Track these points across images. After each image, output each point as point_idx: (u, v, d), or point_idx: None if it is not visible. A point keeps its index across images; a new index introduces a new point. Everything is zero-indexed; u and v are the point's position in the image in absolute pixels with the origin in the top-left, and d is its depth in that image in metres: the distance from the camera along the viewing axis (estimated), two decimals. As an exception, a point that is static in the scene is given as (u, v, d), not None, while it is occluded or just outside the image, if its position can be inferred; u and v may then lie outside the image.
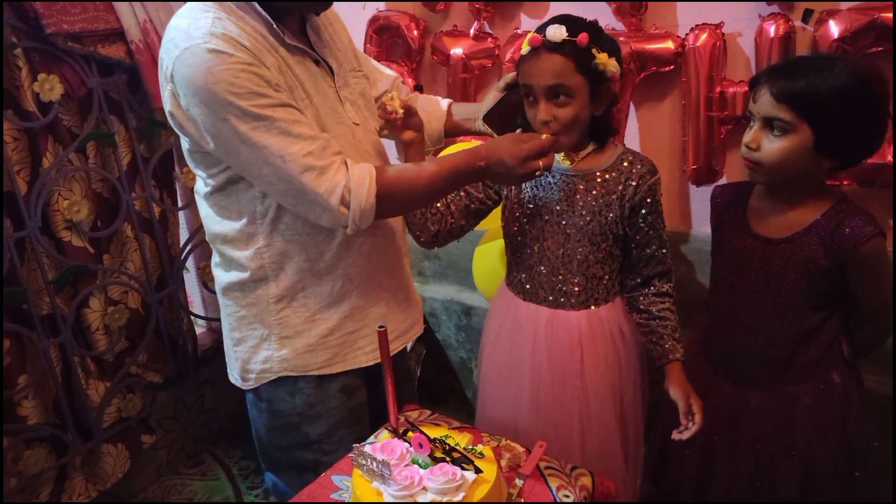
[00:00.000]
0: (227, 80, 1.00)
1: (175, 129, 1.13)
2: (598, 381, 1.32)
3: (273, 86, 1.05)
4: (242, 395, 1.37)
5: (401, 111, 1.18)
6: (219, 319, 2.25)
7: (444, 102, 1.44)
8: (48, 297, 1.73)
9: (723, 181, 1.61)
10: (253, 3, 1.08)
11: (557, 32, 1.15)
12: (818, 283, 1.21)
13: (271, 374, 1.26)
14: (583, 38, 1.15)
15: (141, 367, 2.00)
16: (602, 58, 1.17)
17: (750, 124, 1.20)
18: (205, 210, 1.24)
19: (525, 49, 1.19)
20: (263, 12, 1.09)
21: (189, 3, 1.10)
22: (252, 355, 1.26)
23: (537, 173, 1.16)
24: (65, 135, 1.73)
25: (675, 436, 1.23)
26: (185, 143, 1.16)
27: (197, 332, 2.21)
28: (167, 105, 1.09)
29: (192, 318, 2.16)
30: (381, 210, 1.13)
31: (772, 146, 1.16)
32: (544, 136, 1.18)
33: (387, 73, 1.44)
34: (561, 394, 1.33)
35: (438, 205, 1.34)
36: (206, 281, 2.18)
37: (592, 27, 1.19)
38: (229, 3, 1.07)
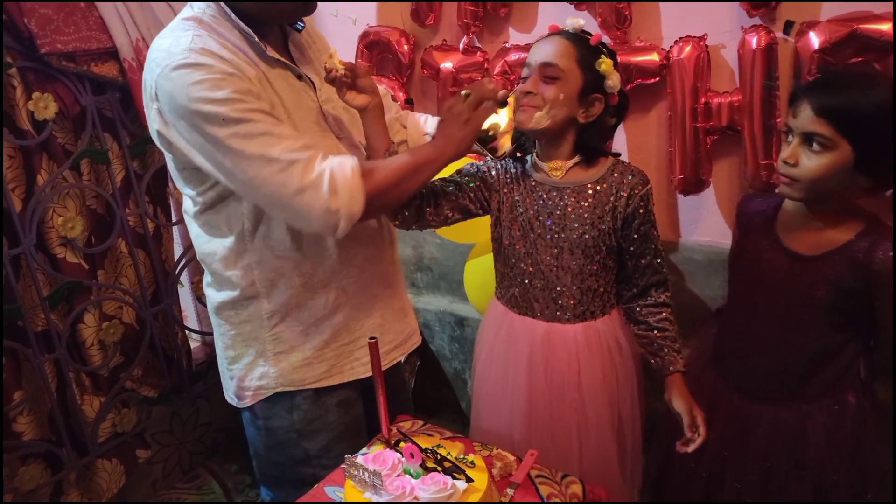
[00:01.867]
0: (207, 90, 1.01)
1: (162, 148, 1.13)
2: (596, 394, 1.32)
3: (254, 94, 1.06)
4: (237, 409, 1.38)
5: (341, 68, 1.15)
6: (213, 333, 2.27)
7: (434, 120, 1.44)
8: (43, 314, 1.74)
9: (750, 192, 1.55)
10: (233, 17, 1.10)
11: (575, 23, 1.21)
12: (844, 304, 1.20)
13: (268, 390, 1.25)
14: (597, 36, 1.21)
15: (136, 382, 2.00)
16: (607, 63, 1.21)
17: (788, 139, 1.18)
18: (194, 230, 1.24)
19: (542, 36, 1.24)
20: (244, 26, 1.10)
21: (170, 24, 1.12)
22: (247, 373, 1.26)
23: (463, 93, 1.15)
24: (59, 152, 1.74)
25: (681, 449, 1.22)
26: (172, 163, 1.16)
27: (191, 347, 2.22)
28: (154, 124, 1.09)
29: (187, 332, 2.17)
30: (369, 193, 1.09)
31: (810, 162, 1.13)
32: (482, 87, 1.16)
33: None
34: (558, 406, 1.32)
35: (430, 188, 1.30)
36: (199, 295, 2.20)
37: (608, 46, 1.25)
38: (209, 21, 1.09)
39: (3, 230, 1.63)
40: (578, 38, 1.22)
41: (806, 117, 1.13)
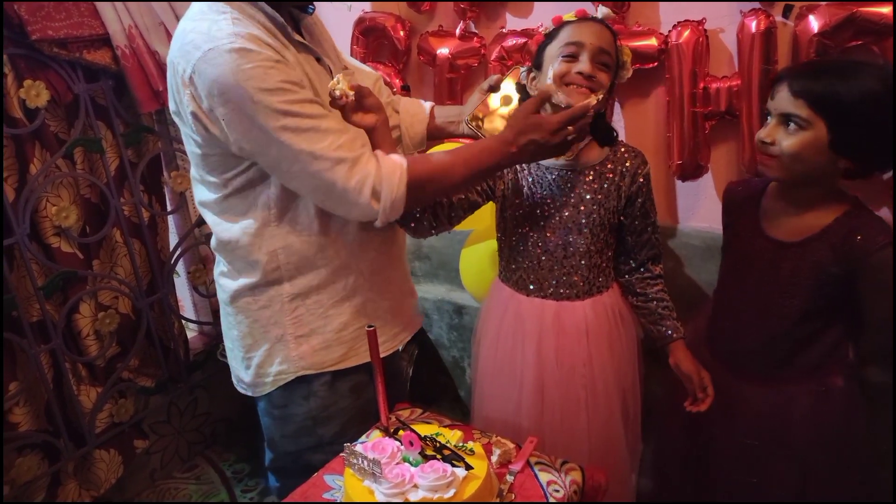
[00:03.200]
0: (258, 77, 1.00)
1: (194, 131, 1.10)
2: (605, 366, 1.36)
3: (298, 82, 1.06)
4: (236, 399, 1.37)
5: (350, 93, 1.14)
6: (210, 323, 2.27)
7: (427, 105, 1.44)
8: (38, 304, 1.73)
9: (736, 179, 1.57)
10: (260, 2, 1.08)
11: (608, 12, 1.24)
12: (826, 289, 1.21)
13: (288, 374, 1.26)
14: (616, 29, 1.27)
15: (132, 372, 2.00)
16: (627, 53, 1.28)
17: (767, 120, 1.21)
18: (212, 218, 1.22)
19: (570, 17, 1.25)
20: (270, 10, 1.09)
21: (197, 6, 1.09)
22: (267, 358, 1.26)
23: (570, 139, 1.16)
24: (52, 141, 1.73)
25: (692, 408, 1.28)
26: (197, 148, 1.14)
27: (188, 336, 2.21)
28: (188, 107, 1.07)
29: (184, 322, 2.16)
30: (411, 201, 1.12)
31: (787, 141, 1.16)
32: (579, 103, 1.16)
33: (368, 71, 1.45)
34: (568, 385, 1.35)
35: None
36: (196, 285, 2.19)
37: None
38: (239, 3, 1.07)
39: (2, 218, 1.61)
40: (613, 31, 1.27)
41: (783, 98, 1.16)
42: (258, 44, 1.02)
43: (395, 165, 1.10)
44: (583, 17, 1.25)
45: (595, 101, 1.18)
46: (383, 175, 1.09)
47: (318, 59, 1.18)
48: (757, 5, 1.47)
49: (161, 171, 2.02)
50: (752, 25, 1.45)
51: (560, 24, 1.26)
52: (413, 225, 1.27)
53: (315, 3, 1.21)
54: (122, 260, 1.93)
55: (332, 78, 1.18)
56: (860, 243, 1.16)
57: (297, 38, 1.13)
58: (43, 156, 1.71)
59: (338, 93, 1.12)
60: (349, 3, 2.02)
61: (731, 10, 1.51)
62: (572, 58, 1.23)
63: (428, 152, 1.26)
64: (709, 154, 1.62)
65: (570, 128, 1.14)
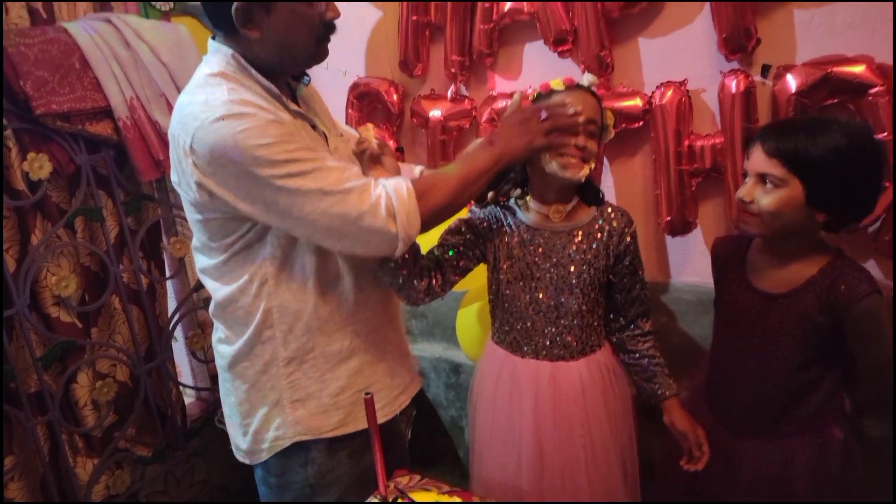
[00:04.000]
0: (255, 136, 1.03)
1: (197, 199, 1.12)
2: (602, 425, 1.35)
3: (295, 134, 1.09)
4: (233, 466, 1.36)
5: (374, 141, 1.19)
6: (208, 388, 2.25)
7: (417, 169, 1.48)
8: (36, 375, 1.73)
9: (723, 234, 1.60)
10: (252, 72, 1.13)
11: (593, 79, 1.28)
12: (815, 340, 1.23)
13: (285, 440, 1.25)
14: (601, 93, 1.31)
15: (129, 441, 1.97)
16: (610, 117, 1.31)
17: (745, 180, 1.24)
18: (211, 283, 1.24)
19: (557, 86, 1.28)
20: (263, 79, 1.13)
21: (195, 80, 1.14)
22: (264, 423, 1.25)
23: (543, 115, 1.20)
24: (53, 211, 1.75)
25: (688, 467, 1.28)
26: (199, 214, 1.16)
27: (185, 402, 2.19)
28: (192, 176, 1.09)
29: (181, 387, 2.14)
30: (424, 212, 1.12)
31: (765, 199, 1.19)
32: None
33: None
34: (566, 446, 1.34)
35: (425, 259, 1.33)
36: (194, 350, 2.18)
37: None
38: (233, 74, 1.12)
39: (1, 291, 1.63)
40: (597, 96, 1.30)
41: (758, 159, 1.20)
42: (252, 107, 1.06)
43: (399, 183, 1.12)
44: (571, 86, 1.28)
45: (588, 171, 1.25)
46: (392, 192, 1.10)
47: (314, 127, 1.22)
48: (736, 66, 1.53)
49: (160, 237, 2.04)
50: (733, 85, 1.50)
51: (548, 92, 1.29)
52: (407, 292, 1.27)
53: (310, 69, 1.26)
54: (120, 327, 1.93)
55: (328, 144, 1.22)
56: (844, 293, 1.18)
57: (293, 106, 1.17)
58: (44, 226, 1.74)
59: (363, 137, 1.18)
60: (344, 70, 2.09)
61: (712, 70, 1.57)
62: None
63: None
64: (696, 210, 1.65)
65: (542, 111, 1.20)
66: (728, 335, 1.36)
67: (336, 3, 1.16)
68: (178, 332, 2.12)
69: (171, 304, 2.11)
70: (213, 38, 1.18)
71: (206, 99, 1.07)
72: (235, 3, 1.07)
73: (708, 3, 1.52)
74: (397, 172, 1.23)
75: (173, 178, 1.18)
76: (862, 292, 1.17)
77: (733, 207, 1.54)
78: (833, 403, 1.28)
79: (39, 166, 1.69)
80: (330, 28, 1.16)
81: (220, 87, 1.09)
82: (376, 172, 1.20)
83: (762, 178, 1.20)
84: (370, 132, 1.20)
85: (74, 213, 1.78)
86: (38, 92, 1.64)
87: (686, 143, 1.58)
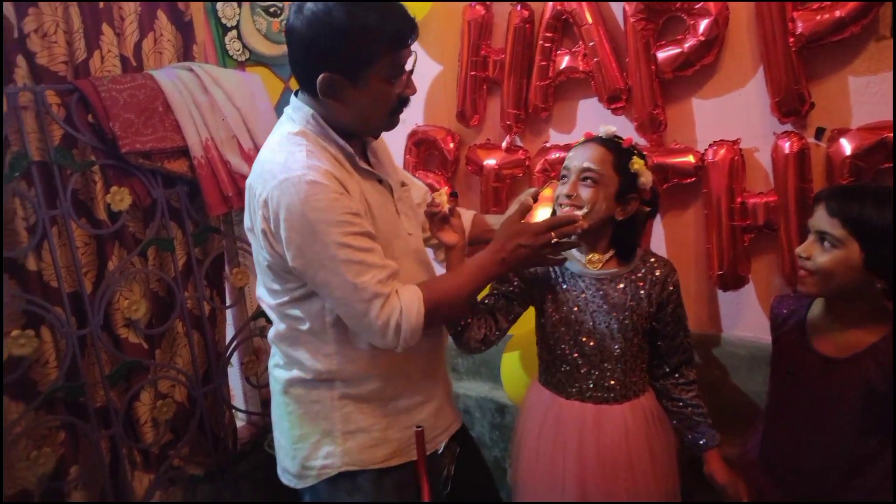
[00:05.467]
0: (321, 209, 1.12)
1: (259, 246, 1.23)
2: (646, 471, 1.36)
3: (357, 212, 1.16)
4: (278, 491, 1.40)
5: (446, 206, 1.28)
6: (259, 413, 2.33)
7: (469, 214, 1.54)
8: (103, 391, 1.84)
9: (783, 293, 1.57)
10: (331, 134, 1.21)
11: (608, 129, 1.34)
12: (876, 408, 1.20)
13: (332, 469, 1.29)
14: (628, 140, 1.34)
15: (182, 460, 2.06)
16: (639, 163, 1.32)
17: (808, 237, 1.25)
18: (274, 316, 1.32)
19: (579, 142, 1.36)
20: (342, 141, 1.21)
21: (277, 137, 1.23)
22: (314, 451, 1.30)
23: (553, 242, 1.23)
24: (129, 240, 1.89)
25: None
26: (264, 260, 1.25)
27: (237, 426, 2.27)
28: (259, 225, 1.18)
29: (234, 411, 2.23)
30: (427, 326, 1.21)
31: (822, 258, 1.20)
32: (564, 213, 1.28)
33: (419, 184, 1.56)
34: (611, 488, 1.36)
35: (484, 310, 1.41)
36: (248, 376, 2.27)
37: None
38: (313, 135, 1.20)
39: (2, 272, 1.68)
40: (612, 144, 1.34)
41: (820, 217, 1.21)
42: (327, 177, 1.14)
43: (413, 298, 1.19)
44: (582, 141, 1.37)
45: (580, 216, 1.27)
46: (403, 311, 1.18)
47: (381, 181, 1.29)
48: (790, 127, 1.55)
49: (223, 267, 2.16)
50: (786, 146, 1.51)
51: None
52: (466, 341, 1.37)
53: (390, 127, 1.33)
54: (181, 350, 2.04)
55: (393, 197, 1.31)
56: None
57: (364, 165, 1.25)
58: (120, 253, 1.87)
59: (437, 201, 1.27)
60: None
61: (765, 130, 1.58)
62: (564, 179, 1.35)
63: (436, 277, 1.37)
64: (749, 265, 1.65)
65: (552, 233, 1.23)
66: (786, 397, 1.34)
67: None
68: (234, 358, 2.22)
69: (230, 332, 2.22)
70: (296, 94, 1.26)
71: (286, 159, 1.15)
72: (322, 74, 1.15)
73: (761, 67, 1.55)
74: (463, 233, 1.33)
75: (246, 223, 1.27)
76: None
77: (787, 264, 1.54)
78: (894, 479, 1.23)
79: (121, 199, 1.82)
80: (404, 103, 1.24)
81: (300, 148, 1.17)
82: (443, 234, 1.31)
83: (821, 236, 1.20)
84: (443, 197, 1.28)
85: (148, 243, 1.91)
86: (124, 132, 1.78)
87: (739, 199, 1.59)
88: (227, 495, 2.24)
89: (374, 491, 1.30)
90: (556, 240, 1.23)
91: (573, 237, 1.26)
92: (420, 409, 1.33)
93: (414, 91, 1.23)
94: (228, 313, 2.24)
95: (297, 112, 1.23)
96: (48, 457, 1.73)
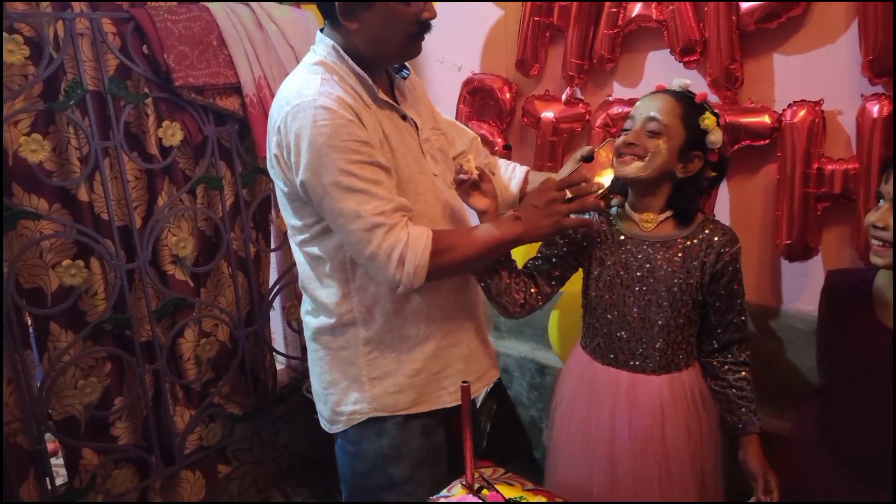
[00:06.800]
0: (327, 133, 1.12)
1: (275, 174, 1.24)
2: (680, 448, 1.32)
3: (367, 141, 1.15)
4: (314, 435, 1.42)
5: (475, 172, 1.25)
6: (298, 358, 2.34)
7: (522, 170, 1.49)
8: (149, 326, 1.86)
9: (835, 267, 1.52)
10: (350, 62, 1.20)
11: (682, 82, 1.27)
12: None
13: (361, 415, 1.31)
14: (702, 95, 1.27)
15: (223, 398, 2.09)
16: (711, 120, 1.25)
17: (879, 204, 1.17)
18: (299, 258, 1.33)
19: (648, 93, 1.30)
20: (359, 70, 1.20)
21: (299, 67, 1.25)
22: (343, 397, 1.32)
23: (564, 222, 1.21)
24: (179, 177, 1.88)
25: None
26: (281, 192, 1.26)
27: (277, 369, 2.29)
28: (273, 150, 1.21)
29: (274, 354, 2.24)
30: (433, 269, 1.18)
31: None
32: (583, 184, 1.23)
33: (466, 131, 1.51)
34: (641, 459, 1.32)
35: (525, 274, 1.37)
36: (290, 320, 2.28)
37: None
38: (331, 64, 1.20)
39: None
40: (684, 97, 1.27)
41: None
42: (339, 104, 1.14)
43: (421, 235, 1.17)
44: (652, 92, 1.29)
45: (638, 168, 1.23)
46: (410, 243, 1.15)
47: (403, 117, 1.27)
48: (880, 90, 1.44)
49: (269, 210, 2.14)
50: (874, 110, 1.41)
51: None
52: (504, 303, 1.33)
53: (426, 63, 1.29)
54: (226, 291, 2.04)
55: (417, 133, 1.28)
56: None
57: (382, 96, 1.23)
58: (170, 190, 1.86)
59: (465, 168, 1.24)
60: (459, 64, 2.11)
61: (852, 92, 1.48)
62: (628, 129, 1.28)
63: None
64: (820, 236, 1.56)
65: (566, 191, 1.20)
66: (855, 376, 1.26)
67: (452, 2, 1.19)
68: (277, 302, 2.22)
69: (273, 275, 2.21)
70: (321, 30, 1.26)
71: (301, 86, 1.17)
72: None
73: (855, 23, 1.43)
74: (495, 198, 1.29)
75: (267, 152, 1.27)
76: None
77: (863, 237, 1.45)
78: None
79: (172, 134, 1.81)
80: (425, 27, 1.21)
81: (315, 76, 1.18)
82: (473, 200, 1.27)
83: None
84: (471, 164, 1.26)
85: (198, 181, 1.90)
86: (178, 65, 1.75)
87: (815, 165, 1.50)
88: (264, 435, 2.27)
89: (401, 434, 1.32)
90: (569, 196, 1.20)
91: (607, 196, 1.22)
92: (446, 353, 1.32)
93: (433, 15, 1.21)
94: (273, 257, 2.24)
95: (320, 44, 1.24)
96: (94, 386, 1.77)
